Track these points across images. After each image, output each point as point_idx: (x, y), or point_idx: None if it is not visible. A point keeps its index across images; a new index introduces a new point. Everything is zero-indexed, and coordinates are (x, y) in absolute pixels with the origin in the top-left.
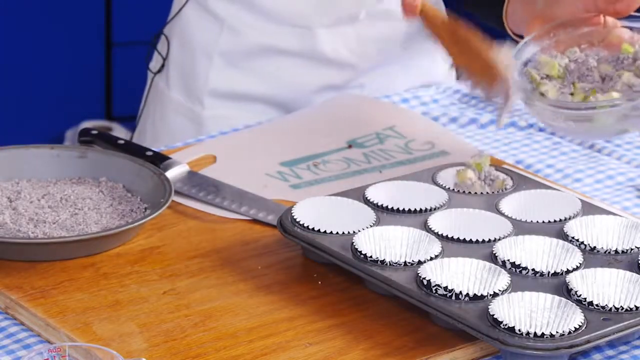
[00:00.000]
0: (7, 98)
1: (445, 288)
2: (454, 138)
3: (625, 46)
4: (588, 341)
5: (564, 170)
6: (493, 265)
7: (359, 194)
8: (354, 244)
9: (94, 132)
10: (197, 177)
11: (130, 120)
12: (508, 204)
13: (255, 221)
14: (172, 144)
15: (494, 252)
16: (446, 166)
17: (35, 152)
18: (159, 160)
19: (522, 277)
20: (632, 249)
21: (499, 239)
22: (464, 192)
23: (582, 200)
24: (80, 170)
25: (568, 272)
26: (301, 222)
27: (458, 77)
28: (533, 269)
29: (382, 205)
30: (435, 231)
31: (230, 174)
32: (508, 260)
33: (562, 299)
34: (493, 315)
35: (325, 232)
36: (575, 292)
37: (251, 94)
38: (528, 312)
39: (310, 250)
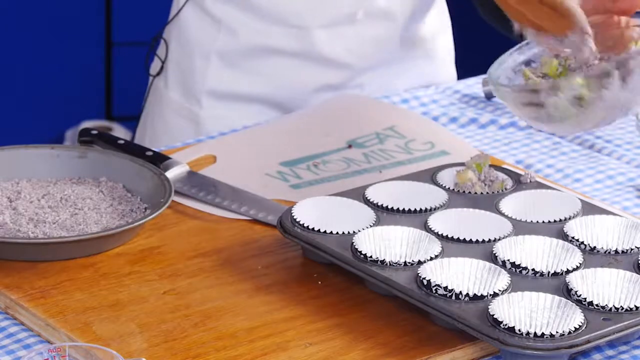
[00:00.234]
0: (7, 98)
1: (445, 288)
2: (454, 138)
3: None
4: (588, 341)
5: (564, 170)
6: (493, 265)
7: (359, 194)
8: (354, 244)
9: (94, 132)
10: (197, 177)
11: (130, 120)
12: (508, 204)
13: (255, 221)
14: (172, 144)
15: (494, 252)
16: (446, 166)
17: (35, 152)
18: (159, 160)
19: (522, 277)
20: (632, 249)
21: (499, 239)
22: (464, 192)
23: (582, 200)
24: (80, 170)
25: (568, 272)
26: (301, 222)
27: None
28: (533, 269)
29: (382, 205)
30: (435, 231)
31: (230, 174)
32: (508, 260)
33: (562, 299)
34: (493, 315)
35: (325, 232)
36: (575, 292)
37: (249, 94)
38: (528, 312)
39: (310, 250)
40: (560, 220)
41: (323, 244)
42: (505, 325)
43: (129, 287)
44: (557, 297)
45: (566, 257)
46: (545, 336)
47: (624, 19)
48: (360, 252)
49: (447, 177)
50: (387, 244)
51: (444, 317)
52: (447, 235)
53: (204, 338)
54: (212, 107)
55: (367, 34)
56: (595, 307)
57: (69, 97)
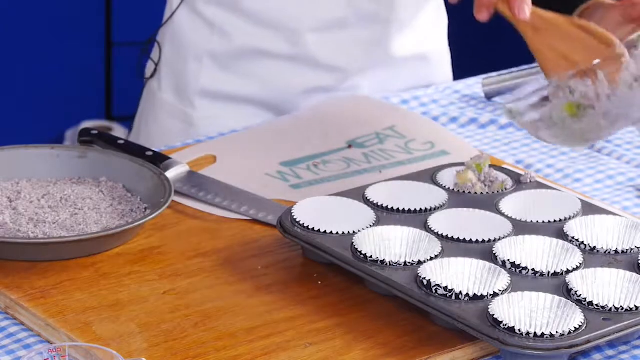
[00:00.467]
0: (7, 98)
1: (445, 288)
2: (454, 138)
3: None
4: (588, 341)
5: (564, 170)
6: (493, 265)
7: (359, 194)
8: (354, 244)
9: (94, 132)
10: (197, 177)
11: (130, 120)
12: (508, 204)
13: (255, 221)
14: (165, 146)
15: (494, 252)
16: (446, 166)
17: (35, 152)
18: (159, 160)
19: (522, 277)
20: (632, 249)
21: (499, 239)
22: (464, 192)
23: (582, 200)
24: (80, 170)
25: (568, 272)
26: (301, 222)
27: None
28: (533, 269)
29: (382, 205)
30: (435, 231)
31: (230, 174)
32: (508, 260)
33: (562, 299)
34: (493, 315)
35: (325, 232)
36: (575, 292)
37: (241, 96)
38: (528, 312)
39: (310, 250)
40: (560, 220)
41: (323, 244)
42: (505, 325)
43: (129, 287)
44: (557, 297)
45: (566, 257)
46: (545, 336)
47: None
48: (360, 252)
49: (447, 177)
50: (387, 244)
51: (444, 317)
52: (447, 235)
53: (204, 338)
54: (205, 109)
55: (358, 38)
56: (595, 307)
57: (69, 97)
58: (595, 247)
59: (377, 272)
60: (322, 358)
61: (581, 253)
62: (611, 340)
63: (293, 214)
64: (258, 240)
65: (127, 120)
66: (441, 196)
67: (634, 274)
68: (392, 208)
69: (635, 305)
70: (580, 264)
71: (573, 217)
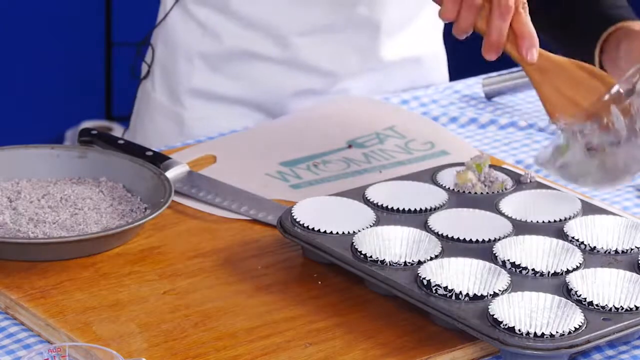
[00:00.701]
0: (7, 98)
1: (445, 288)
2: (454, 138)
3: None
4: (588, 341)
5: None
6: (493, 265)
7: (359, 194)
8: (354, 244)
9: (94, 132)
10: (197, 177)
11: (129, 121)
12: (508, 204)
13: (255, 221)
14: (165, 146)
15: (494, 252)
16: (446, 166)
17: (35, 152)
18: (159, 160)
19: (522, 277)
20: (632, 249)
21: (499, 239)
22: (464, 192)
23: (582, 200)
24: (80, 170)
25: (568, 272)
26: (301, 222)
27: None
28: (533, 269)
29: (382, 205)
30: (435, 231)
31: (230, 174)
32: (508, 260)
33: (562, 299)
34: (493, 315)
35: (325, 232)
36: (575, 292)
37: (232, 97)
38: (528, 312)
39: (310, 250)
40: (560, 220)
41: (323, 244)
42: (505, 325)
43: (129, 287)
44: (557, 297)
45: (566, 257)
46: (545, 336)
47: None
48: (360, 252)
49: (447, 177)
50: (387, 244)
51: (444, 317)
52: (447, 235)
53: (204, 338)
54: (196, 109)
55: (348, 42)
56: (595, 307)
57: (69, 97)
58: (595, 247)
59: (377, 272)
60: (322, 358)
61: (581, 253)
62: (611, 340)
63: (293, 214)
64: (258, 240)
65: (127, 120)
66: (441, 196)
67: (634, 274)
68: (392, 208)
69: (635, 305)
70: (580, 264)
71: (573, 217)
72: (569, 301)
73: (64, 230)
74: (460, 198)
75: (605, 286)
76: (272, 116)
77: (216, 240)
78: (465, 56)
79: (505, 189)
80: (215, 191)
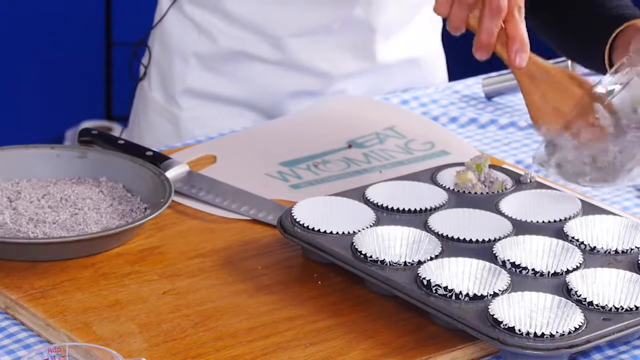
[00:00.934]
0: (7, 98)
1: (445, 288)
2: (454, 138)
3: None
4: (588, 341)
5: None
6: (493, 265)
7: (359, 194)
8: (354, 244)
9: (94, 132)
10: (197, 177)
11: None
12: (508, 204)
13: (255, 221)
14: (165, 146)
15: (494, 252)
16: (446, 166)
17: (35, 152)
18: (159, 160)
19: (522, 277)
20: (632, 249)
21: (499, 239)
22: (464, 192)
23: (582, 200)
24: (80, 170)
25: (568, 272)
26: (301, 222)
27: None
28: (533, 269)
29: (382, 205)
30: (435, 231)
31: (230, 174)
32: (508, 260)
33: (562, 299)
34: (493, 315)
35: (325, 232)
36: (575, 292)
37: (227, 97)
38: (528, 312)
39: (310, 250)
40: (560, 220)
41: (323, 244)
42: (505, 325)
43: (129, 287)
44: (557, 297)
45: (566, 257)
46: (545, 336)
47: None
48: (360, 252)
49: (447, 177)
50: (387, 244)
51: (444, 317)
52: (447, 235)
53: (204, 338)
54: (191, 109)
55: (344, 43)
56: (595, 307)
57: (69, 97)
58: (595, 247)
59: (377, 272)
60: (322, 358)
61: (581, 253)
62: (611, 340)
63: (293, 214)
64: (258, 240)
65: (127, 121)
66: (441, 196)
67: (634, 274)
68: (392, 208)
69: (635, 305)
70: (580, 264)
71: (573, 217)
72: (569, 301)
73: (64, 230)
74: (460, 198)
75: (605, 286)
76: (268, 117)
77: (216, 240)
78: (464, 56)
79: (505, 189)
80: (215, 191)
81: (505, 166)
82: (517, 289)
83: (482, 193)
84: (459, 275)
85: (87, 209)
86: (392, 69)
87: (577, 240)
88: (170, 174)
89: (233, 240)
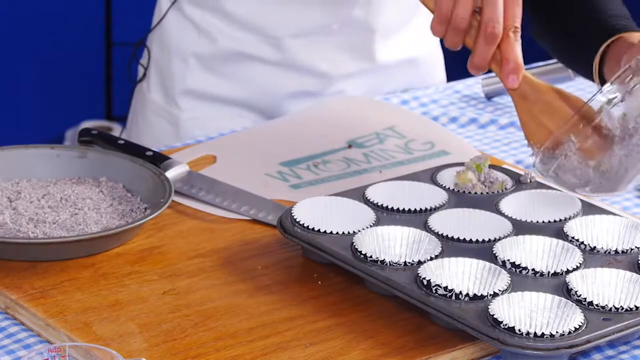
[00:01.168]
0: (7, 98)
1: (445, 288)
2: (454, 138)
3: None
4: (588, 341)
5: None
6: (493, 265)
7: (359, 194)
8: (354, 244)
9: (94, 132)
10: (197, 177)
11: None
12: (508, 204)
13: (255, 221)
14: (165, 146)
15: (494, 252)
16: (446, 166)
17: (35, 152)
18: (159, 160)
19: (522, 277)
20: (632, 249)
21: (499, 239)
22: (464, 192)
23: (582, 200)
24: (80, 170)
25: (568, 272)
26: (301, 222)
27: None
28: (533, 269)
29: (382, 205)
30: (435, 231)
31: (230, 174)
32: (508, 260)
33: (562, 299)
34: (493, 315)
35: (325, 232)
36: (575, 292)
37: (226, 98)
38: (528, 312)
39: (310, 250)
40: (560, 220)
41: (323, 244)
42: (505, 325)
43: (129, 287)
44: (557, 297)
45: (566, 257)
46: (545, 336)
47: None
48: (360, 252)
49: (447, 177)
50: (387, 244)
51: (444, 317)
52: (447, 235)
53: (204, 338)
54: (190, 110)
55: (344, 44)
56: (595, 307)
57: (69, 97)
58: (595, 247)
59: (377, 272)
60: (322, 358)
61: (581, 253)
62: (611, 340)
63: (293, 214)
64: (258, 240)
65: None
66: (441, 196)
67: (634, 274)
68: (392, 208)
69: (635, 305)
70: (580, 264)
71: (573, 217)
72: (569, 301)
73: (64, 230)
74: (460, 198)
75: (605, 286)
76: (267, 117)
77: (216, 240)
78: (463, 56)
79: (505, 189)
80: (215, 191)
81: (505, 166)
82: (517, 289)
83: (482, 193)
84: (459, 275)
85: (87, 209)
86: (391, 70)
87: (577, 240)
88: (170, 174)
89: (233, 240)
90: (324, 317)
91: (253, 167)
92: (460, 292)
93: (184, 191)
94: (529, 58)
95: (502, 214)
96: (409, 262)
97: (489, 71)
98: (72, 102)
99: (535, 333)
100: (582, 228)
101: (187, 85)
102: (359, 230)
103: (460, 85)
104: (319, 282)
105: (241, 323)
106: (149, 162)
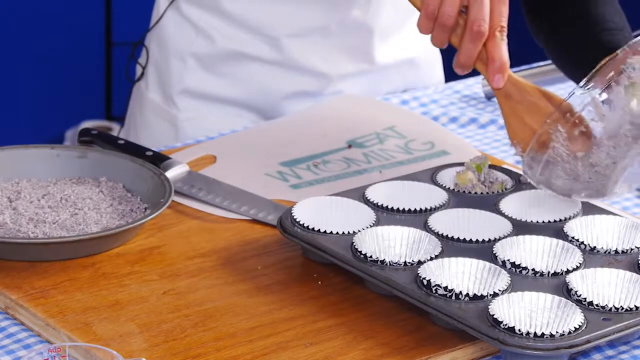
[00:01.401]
0: (7, 98)
1: (445, 288)
2: (454, 138)
3: None
4: (588, 341)
5: None
6: (493, 265)
7: (359, 194)
8: (354, 244)
9: (94, 132)
10: (197, 177)
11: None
12: (508, 204)
13: (255, 221)
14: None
15: (494, 252)
16: (446, 166)
17: (35, 152)
18: (159, 160)
19: (522, 277)
20: (632, 249)
21: (499, 239)
22: (464, 192)
23: (582, 200)
24: (80, 170)
25: (568, 272)
26: (301, 222)
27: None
28: (533, 269)
29: (382, 205)
30: (435, 231)
31: (230, 174)
32: (508, 260)
33: (562, 299)
34: (493, 315)
35: (325, 232)
36: (575, 292)
37: (225, 97)
38: (528, 312)
39: (310, 250)
40: (560, 220)
41: (323, 244)
42: (505, 325)
43: (129, 287)
44: (557, 297)
45: (566, 257)
46: (545, 336)
47: None
48: (360, 252)
49: (447, 177)
50: (387, 244)
51: (444, 317)
52: (447, 235)
53: (204, 338)
54: (188, 109)
55: (342, 44)
56: (595, 307)
57: (69, 97)
58: (595, 247)
59: (377, 272)
60: (322, 358)
61: (581, 253)
62: (611, 340)
63: (293, 214)
64: (258, 240)
65: None
66: (441, 196)
67: (634, 274)
68: (392, 208)
69: (635, 305)
70: (580, 264)
71: (573, 217)
72: (569, 301)
73: (64, 230)
74: (460, 198)
75: (605, 286)
76: (265, 117)
77: (216, 240)
78: None
79: (505, 189)
80: (215, 191)
81: (505, 166)
82: (517, 289)
83: (482, 193)
84: (459, 275)
85: (87, 209)
86: (389, 70)
87: (577, 240)
88: (170, 174)
89: (233, 240)
90: (324, 317)
91: (253, 167)
92: (460, 292)
93: (184, 191)
94: (522, 59)
95: (502, 214)
96: (409, 262)
97: (475, 70)
98: (72, 102)
99: (535, 333)
100: (582, 228)
101: (184, 84)
102: (359, 230)
103: (460, 85)
104: (319, 282)
105: (241, 323)
106: (149, 162)
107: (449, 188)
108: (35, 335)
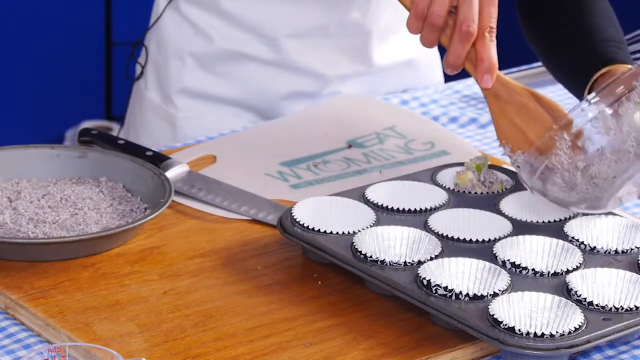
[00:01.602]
0: (7, 98)
1: (445, 288)
2: (454, 138)
3: None
4: (588, 341)
5: None
6: (493, 265)
7: (359, 194)
8: (354, 244)
9: (94, 132)
10: (197, 177)
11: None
12: (508, 204)
13: (255, 221)
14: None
15: (494, 252)
16: (446, 166)
17: (35, 152)
18: (159, 160)
19: (522, 277)
20: (632, 249)
21: (499, 239)
22: (464, 192)
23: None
24: (80, 170)
25: (568, 272)
26: (301, 222)
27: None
28: (533, 269)
29: (382, 205)
30: (435, 231)
31: (230, 174)
32: (508, 260)
33: (562, 299)
34: (493, 315)
35: (325, 232)
36: (575, 292)
37: (223, 97)
38: (528, 312)
39: (310, 250)
40: (560, 220)
41: (323, 244)
42: (505, 325)
43: (129, 287)
44: (557, 297)
45: (566, 257)
46: (545, 336)
47: None
48: (360, 252)
49: (447, 177)
50: (387, 244)
51: (444, 317)
52: (447, 235)
53: (204, 338)
54: (187, 109)
55: (341, 46)
56: (595, 307)
57: (69, 97)
58: (595, 247)
59: (377, 272)
60: (322, 358)
61: (581, 253)
62: (611, 340)
63: (293, 214)
64: (258, 240)
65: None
66: (441, 196)
67: (634, 274)
68: (392, 208)
69: (635, 305)
70: (580, 264)
71: (573, 217)
72: (569, 301)
73: (64, 230)
74: (460, 198)
75: (605, 286)
76: (263, 117)
77: (216, 240)
78: None
79: (505, 189)
80: (215, 191)
81: (505, 166)
82: (517, 289)
83: (482, 193)
84: (459, 275)
85: (87, 209)
86: (387, 71)
87: (577, 240)
88: (170, 174)
89: (233, 240)
90: (324, 317)
91: (253, 167)
92: (460, 292)
93: (184, 191)
94: (512, 61)
95: (502, 214)
96: (409, 262)
97: (464, 71)
98: (72, 102)
99: (535, 333)
100: (582, 228)
101: (183, 84)
102: (359, 230)
103: (460, 85)
104: (319, 282)
105: (241, 323)
106: (149, 162)
107: (449, 188)
108: (35, 335)
